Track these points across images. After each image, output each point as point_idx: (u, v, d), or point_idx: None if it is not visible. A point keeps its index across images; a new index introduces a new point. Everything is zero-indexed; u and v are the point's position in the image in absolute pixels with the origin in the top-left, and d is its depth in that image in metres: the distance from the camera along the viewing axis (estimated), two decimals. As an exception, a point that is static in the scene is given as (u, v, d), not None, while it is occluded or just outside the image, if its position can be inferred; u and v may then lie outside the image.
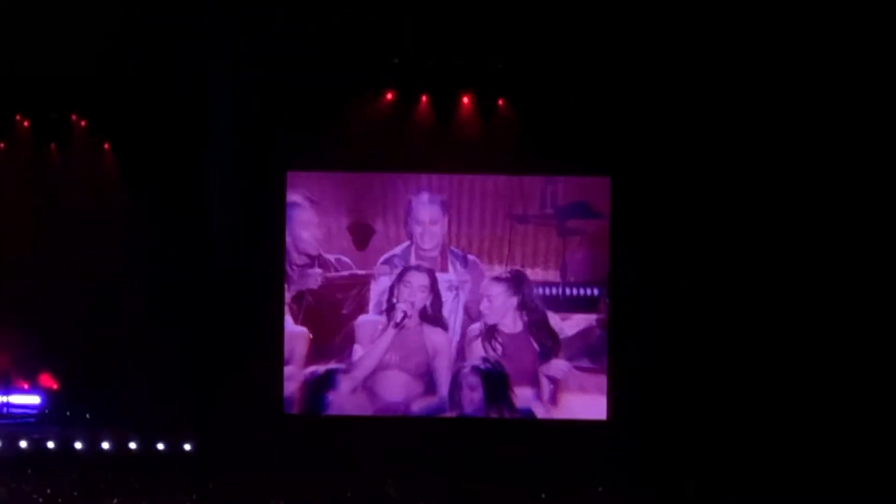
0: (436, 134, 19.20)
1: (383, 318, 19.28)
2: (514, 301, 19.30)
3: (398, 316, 19.24)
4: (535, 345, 19.29)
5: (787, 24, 17.95)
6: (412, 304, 19.25)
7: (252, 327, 19.18)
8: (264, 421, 19.09)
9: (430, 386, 19.33)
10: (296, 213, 19.39)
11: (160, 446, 18.74)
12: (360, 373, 19.32)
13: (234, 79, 18.88)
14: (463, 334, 19.28)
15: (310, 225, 19.41)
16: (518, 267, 19.28)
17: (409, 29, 18.43)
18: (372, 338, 19.28)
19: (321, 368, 19.37)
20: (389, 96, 19.19)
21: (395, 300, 19.26)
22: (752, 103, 18.52)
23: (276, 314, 19.31)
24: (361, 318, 19.32)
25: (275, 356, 19.29)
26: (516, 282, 19.27)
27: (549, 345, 19.29)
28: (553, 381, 19.27)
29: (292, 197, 19.36)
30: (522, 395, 19.29)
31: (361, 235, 19.39)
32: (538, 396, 19.30)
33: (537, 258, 19.30)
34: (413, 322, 19.27)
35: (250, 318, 19.18)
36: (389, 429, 19.11)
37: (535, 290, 19.27)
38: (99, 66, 18.76)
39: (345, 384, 19.33)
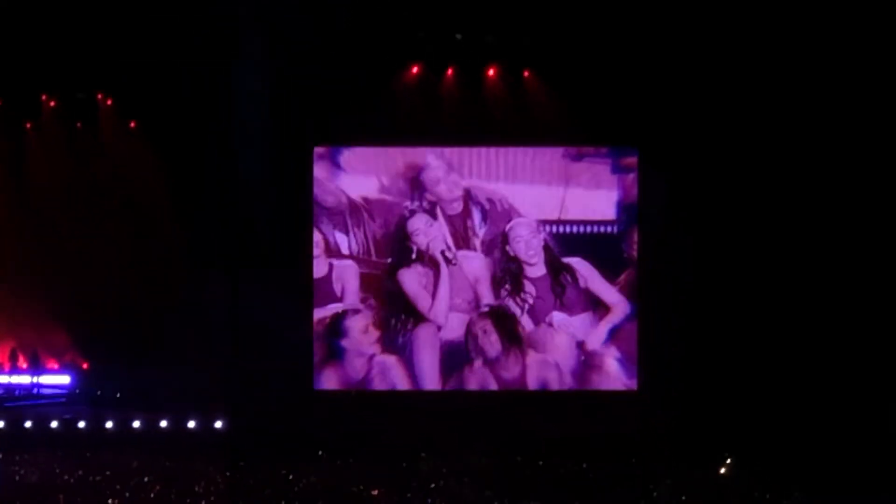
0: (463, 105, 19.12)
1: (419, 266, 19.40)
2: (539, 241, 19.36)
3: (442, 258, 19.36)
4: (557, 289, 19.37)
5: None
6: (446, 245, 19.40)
7: (285, 305, 19.15)
8: (295, 397, 19.06)
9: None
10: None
11: (191, 424, 18.72)
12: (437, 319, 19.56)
13: (260, 56, 18.85)
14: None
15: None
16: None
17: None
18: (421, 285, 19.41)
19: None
20: (416, 69, 19.05)
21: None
22: (779, 84, 18.41)
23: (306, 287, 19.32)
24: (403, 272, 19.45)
25: (307, 336, 19.28)
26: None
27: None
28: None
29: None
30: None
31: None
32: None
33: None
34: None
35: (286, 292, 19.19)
36: (420, 404, 19.11)
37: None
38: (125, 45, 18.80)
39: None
